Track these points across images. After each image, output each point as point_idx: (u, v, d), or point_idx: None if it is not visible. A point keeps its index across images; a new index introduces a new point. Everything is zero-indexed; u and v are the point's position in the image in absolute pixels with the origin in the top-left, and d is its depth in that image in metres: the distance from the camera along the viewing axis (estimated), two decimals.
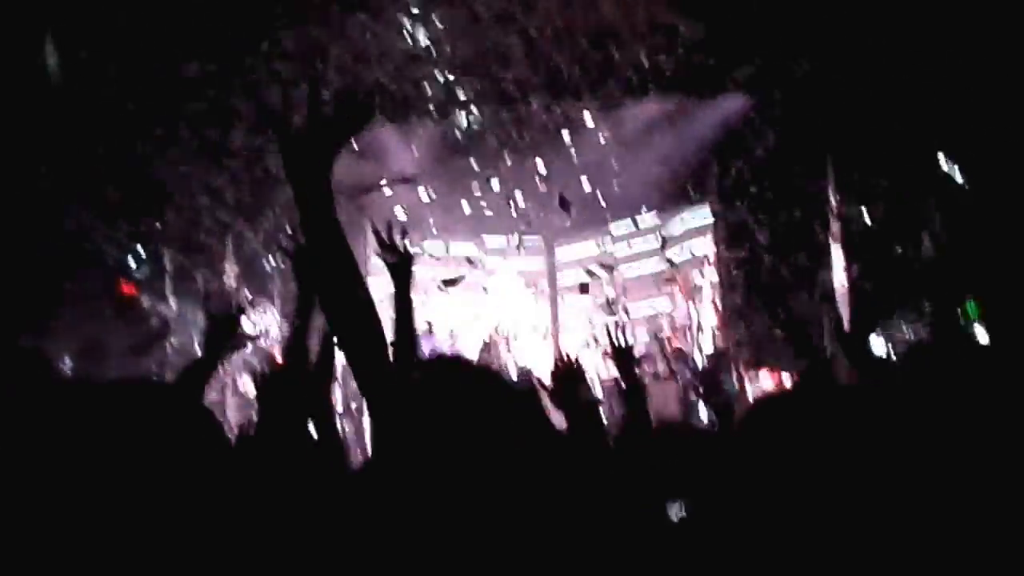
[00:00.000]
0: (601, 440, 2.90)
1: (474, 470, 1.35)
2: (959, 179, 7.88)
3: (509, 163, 10.10)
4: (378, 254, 2.61)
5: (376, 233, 2.60)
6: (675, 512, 2.17)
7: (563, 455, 2.28)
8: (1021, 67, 6.87)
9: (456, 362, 1.77)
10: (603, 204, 10.59)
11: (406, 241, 2.63)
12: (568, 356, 3.01)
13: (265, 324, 9.10)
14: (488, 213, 10.61)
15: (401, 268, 2.58)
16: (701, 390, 7.74)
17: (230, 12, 7.41)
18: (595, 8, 8.25)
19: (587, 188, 10.31)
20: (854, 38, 7.60)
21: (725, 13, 7.91)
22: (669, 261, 9.96)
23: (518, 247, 11.05)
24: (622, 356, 3.07)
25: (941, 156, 7.93)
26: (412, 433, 1.45)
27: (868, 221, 8.70)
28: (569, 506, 1.55)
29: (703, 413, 7.75)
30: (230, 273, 8.59)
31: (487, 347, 9.33)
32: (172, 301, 8.00)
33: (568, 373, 2.96)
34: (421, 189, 10.18)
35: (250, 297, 8.85)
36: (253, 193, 8.66)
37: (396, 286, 2.58)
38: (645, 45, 8.33)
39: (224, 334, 2.65)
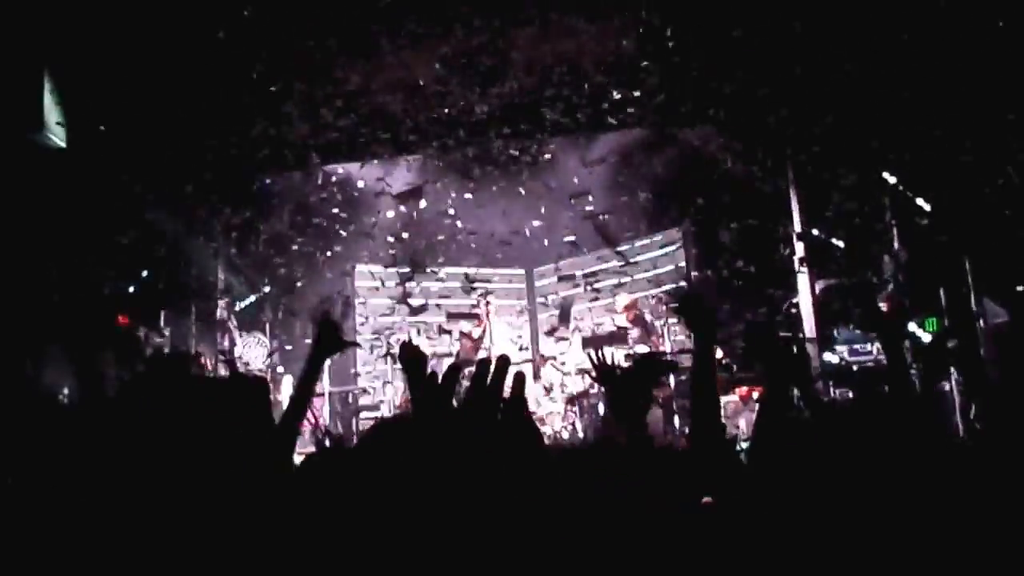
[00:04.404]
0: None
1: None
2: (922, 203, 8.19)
3: (485, 194, 10.28)
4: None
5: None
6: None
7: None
8: (978, 92, 7.24)
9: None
10: (575, 235, 10.85)
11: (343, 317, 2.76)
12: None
13: (251, 356, 9.25)
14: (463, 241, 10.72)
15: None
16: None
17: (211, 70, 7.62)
18: (564, 43, 8.51)
19: (564, 218, 10.55)
20: (817, 65, 7.91)
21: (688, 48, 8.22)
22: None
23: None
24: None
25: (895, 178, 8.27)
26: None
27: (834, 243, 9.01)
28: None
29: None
30: (221, 303, 8.76)
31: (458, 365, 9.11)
32: (166, 331, 8.17)
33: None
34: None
35: (237, 326, 9.04)
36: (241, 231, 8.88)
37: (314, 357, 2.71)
38: (613, 78, 8.61)
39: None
